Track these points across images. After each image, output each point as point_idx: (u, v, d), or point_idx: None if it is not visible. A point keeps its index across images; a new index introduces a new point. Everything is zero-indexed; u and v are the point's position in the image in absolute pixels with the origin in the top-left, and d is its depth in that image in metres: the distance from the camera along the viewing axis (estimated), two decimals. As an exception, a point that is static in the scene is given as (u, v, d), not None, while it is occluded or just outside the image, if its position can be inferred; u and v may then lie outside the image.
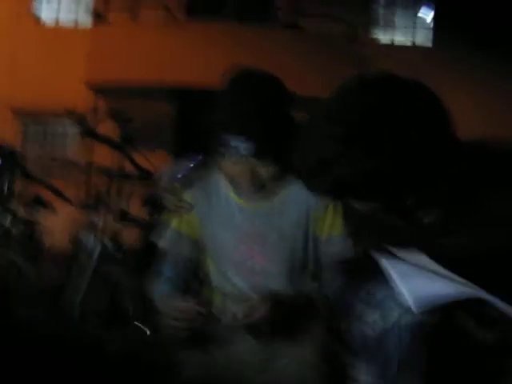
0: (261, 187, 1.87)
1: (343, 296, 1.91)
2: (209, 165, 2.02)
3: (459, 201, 1.64)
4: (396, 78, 1.54)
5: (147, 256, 3.38)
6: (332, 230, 1.93)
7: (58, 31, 13.78)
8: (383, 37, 14.64)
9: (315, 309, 1.89)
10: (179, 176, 2.00)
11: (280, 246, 1.91)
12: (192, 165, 2.02)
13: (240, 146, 1.79)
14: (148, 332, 3.18)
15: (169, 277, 2.01)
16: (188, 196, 1.99)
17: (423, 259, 1.56)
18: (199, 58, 10.97)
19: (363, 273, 2.00)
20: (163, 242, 2.03)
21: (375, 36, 14.35)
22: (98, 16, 12.55)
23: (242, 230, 1.93)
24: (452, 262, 1.64)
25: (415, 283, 1.48)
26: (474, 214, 1.63)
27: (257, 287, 1.90)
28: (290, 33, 12.40)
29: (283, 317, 1.80)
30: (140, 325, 3.16)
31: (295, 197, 1.93)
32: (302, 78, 10.63)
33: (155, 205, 3.41)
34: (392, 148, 1.45)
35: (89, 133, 3.38)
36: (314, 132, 1.54)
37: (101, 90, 12.46)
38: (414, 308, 1.46)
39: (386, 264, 1.53)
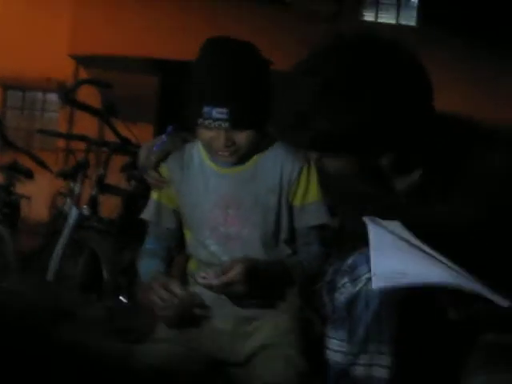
0: (235, 152, 1.89)
1: (316, 262, 1.94)
2: (183, 134, 2.05)
3: (435, 169, 1.68)
4: (374, 36, 1.58)
5: (126, 224, 3.43)
6: (306, 198, 1.96)
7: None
8: (368, 14, 14.64)
9: (289, 275, 1.91)
10: (154, 149, 2.02)
11: (255, 211, 1.94)
12: (166, 136, 2.04)
13: (213, 112, 1.81)
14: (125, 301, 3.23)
15: (153, 249, 2.05)
16: (164, 169, 2.02)
17: (410, 236, 1.57)
18: (183, 31, 10.94)
19: (337, 240, 2.05)
20: (146, 213, 2.07)
21: (360, 13, 14.35)
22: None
23: (216, 194, 1.96)
24: (427, 232, 1.65)
25: (389, 258, 1.47)
26: (450, 183, 1.67)
27: (231, 252, 1.93)
28: (275, 8, 12.38)
29: (257, 280, 1.81)
30: (120, 297, 3.20)
31: (270, 163, 1.96)
32: (286, 52, 10.61)
33: (134, 173, 3.43)
34: (368, 103, 1.50)
35: (68, 99, 3.38)
36: (293, 87, 1.59)
37: (83, 59, 12.36)
38: (373, 283, 1.47)
39: (371, 229, 1.53)
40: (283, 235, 1.97)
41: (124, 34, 11.64)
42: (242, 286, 1.80)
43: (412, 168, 1.71)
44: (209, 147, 1.92)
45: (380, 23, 14.49)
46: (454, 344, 1.65)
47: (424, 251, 1.51)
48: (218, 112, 1.81)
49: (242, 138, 1.87)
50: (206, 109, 1.82)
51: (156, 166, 2.02)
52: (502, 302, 1.42)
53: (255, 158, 1.96)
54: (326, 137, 1.55)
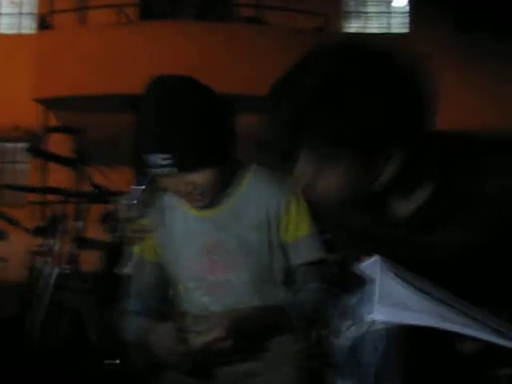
0: (201, 195, 1.88)
1: (318, 302, 1.93)
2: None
3: (441, 192, 1.66)
4: (356, 46, 1.57)
5: (110, 281, 3.43)
6: (298, 232, 1.95)
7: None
8: (354, 24, 14.79)
9: (288, 320, 1.89)
10: (134, 202, 2.03)
11: (241, 254, 1.93)
12: (143, 187, 2.04)
13: (158, 160, 1.79)
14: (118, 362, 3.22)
15: (138, 310, 2.04)
16: (146, 221, 2.04)
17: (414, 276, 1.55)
18: (157, 60, 10.98)
19: (338, 277, 2.05)
20: (127, 269, 2.08)
21: (345, 24, 14.51)
22: (43, 21, 12.49)
23: (199, 241, 1.96)
24: (429, 265, 1.65)
25: (392, 294, 1.46)
26: (460, 207, 1.64)
27: (222, 302, 1.93)
28: (251, 28, 12.49)
29: (247, 332, 1.81)
30: (109, 361, 3.19)
31: (253, 197, 1.95)
32: (268, 74, 10.65)
33: (115, 223, 3.44)
34: (355, 113, 1.47)
35: (35, 151, 3.40)
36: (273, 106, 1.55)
37: (50, 102, 12.37)
38: (375, 315, 1.44)
39: (373, 267, 1.52)
40: (278, 276, 1.96)
41: (93, 70, 11.68)
42: (228, 343, 1.77)
43: (414, 189, 1.68)
44: (175, 195, 1.92)
45: (368, 33, 14.66)
46: (467, 379, 1.64)
47: (428, 292, 1.51)
48: (162, 159, 1.79)
49: (201, 178, 1.85)
50: (150, 158, 1.80)
51: (137, 220, 2.03)
52: None
53: (236, 193, 1.96)
54: (329, 135, 1.51)
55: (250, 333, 1.82)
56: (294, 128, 1.53)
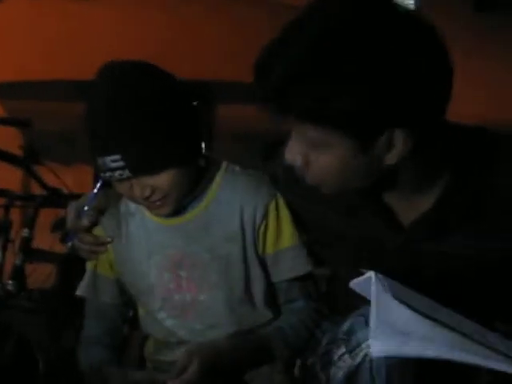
0: (163, 200, 1.85)
1: (304, 324, 1.93)
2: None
3: (451, 197, 1.69)
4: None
5: (62, 299, 3.43)
6: (279, 243, 1.93)
7: None
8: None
9: (268, 350, 1.88)
10: (85, 209, 2.00)
11: (213, 268, 1.91)
12: (95, 191, 2.01)
13: (107, 162, 1.77)
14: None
15: (93, 335, 2.04)
16: (99, 231, 2.01)
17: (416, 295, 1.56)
18: (120, 40, 10.92)
19: (326, 295, 2.06)
20: (80, 288, 2.06)
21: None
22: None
23: (163, 254, 1.94)
24: (441, 280, 1.70)
25: (390, 320, 1.45)
26: (472, 213, 1.68)
27: (190, 325, 1.93)
28: (236, 1, 12.47)
29: (222, 369, 1.80)
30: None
31: (226, 202, 1.93)
32: (251, 55, 10.63)
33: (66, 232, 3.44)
34: (376, 67, 1.48)
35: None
36: (285, 37, 1.57)
37: (-4, 88, 12.37)
38: (372, 351, 1.46)
39: (373, 285, 1.50)
40: (258, 295, 1.94)
41: (45, 52, 11.63)
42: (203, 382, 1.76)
43: (426, 179, 1.71)
44: (133, 201, 1.91)
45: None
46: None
47: (431, 315, 1.52)
48: (112, 160, 1.76)
49: (160, 181, 1.81)
50: (99, 160, 1.79)
51: (89, 230, 2.01)
52: None
53: (206, 197, 1.93)
54: (326, 103, 1.51)
55: (224, 369, 1.81)
56: (280, 95, 1.54)
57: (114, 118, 1.76)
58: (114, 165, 1.77)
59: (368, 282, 1.50)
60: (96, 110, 1.80)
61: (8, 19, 11.90)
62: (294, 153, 1.65)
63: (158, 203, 1.85)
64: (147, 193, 1.82)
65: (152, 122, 1.77)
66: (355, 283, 1.57)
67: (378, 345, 1.43)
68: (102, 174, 1.82)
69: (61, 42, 11.54)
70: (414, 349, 1.43)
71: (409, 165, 1.63)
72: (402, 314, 1.45)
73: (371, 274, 1.50)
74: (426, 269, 1.74)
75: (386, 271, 1.53)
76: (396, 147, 1.58)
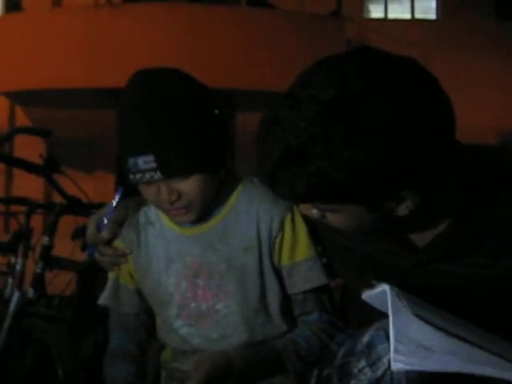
0: (188, 207, 1.87)
1: (318, 337, 1.92)
2: (137, 198, 2.03)
3: (466, 218, 1.70)
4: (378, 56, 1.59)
5: (82, 307, 3.45)
6: (295, 255, 1.94)
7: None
8: (374, 9, 14.87)
9: (280, 362, 1.88)
10: (105, 222, 2.02)
11: (230, 278, 1.92)
12: (114, 204, 2.04)
13: (139, 162, 1.79)
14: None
15: (120, 347, 2.05)
16: (119, 243, 2.03)
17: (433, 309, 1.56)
18: (143, 50, 10.97)
19: (340, 308, 2.07)
20: (103, 298, 2.07)
21: (364, 9, 14.59)
22: (11, 1, 12.51)
23: (181, 262, 1.96)
24: (456, 299, 1.69)
25: (410, 333, 1.45)
26: (486, 235, 1.69)
27: (205, 334, 1.93)
28: (258, 11, 12.48)
29: (232, 379, 1.80)
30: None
31: (243, 213, 1.95)
32: (275, 67, 10.69)
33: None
34: (376, 136, 1.49)
35: (1, 155, 3.42)
36: (280, 117, 1.58)
37: (19, 96, 12.39)
38: (391, 365, 1.45)
39: (390, 298, 1.49)
40: (273, 306, 1.95)
41: (68, 61, 11.69)
42: None
43: (437, 218, 1.72)
44: (158, 207, 1.92)
45: (390, 19, 14.73)
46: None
47: (447, 328, 1.51)
48: (144, 161, 1.79)
49: (188, 186, 1.84)
50: (130, 161, 1.80)
51: (109, 242, 2.03)
52: None
53: (225, 209, 1.96)
54: (326, 181, 1.54)
55: (232, 377, 1.81)
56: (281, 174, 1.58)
57: (148, 119, 1.79)
58: (145, 166, 1.79)
59: (382, 295, 1.50)
60: (130, 110, 1.82)
61: (32, 28, 12.01)
62: (308, 211, 1.72)
63: (182, 210, 1.87)
64: (174, 197, 1.84)
65: (185, 127, 1.81)
66: (368, 295, 1.58)
67: (400, 359, 1.42)
68: (131, 176, 1.83)
69: (85, 51, 11.65)
70: (435, 363, 1.42)
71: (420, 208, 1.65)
72: (421, 329, 1.45)
73: (386, 287, 1.50)
74: (438, 288, 1.74)
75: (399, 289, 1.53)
76: (406, 201, 1.61)
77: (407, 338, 1.44)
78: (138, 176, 1.81)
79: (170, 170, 1.80)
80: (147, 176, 1.80)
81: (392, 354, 1.43)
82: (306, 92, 1.55)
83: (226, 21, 12.05)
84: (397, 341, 1.43)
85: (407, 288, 1.56)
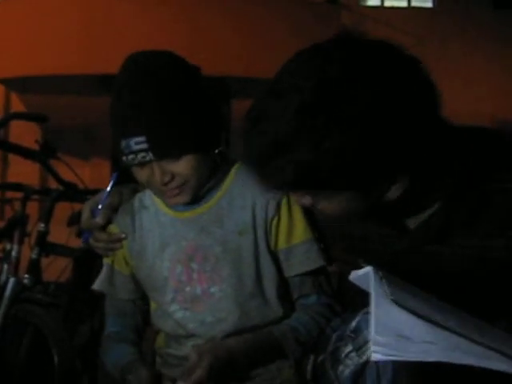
0: (182, 187, 1.88)
1: (316, 321, 1.93)
2: (132, 185, 2.07)
3: (458, 199, 1.70)
4: (358, 43, 1.61)
5: (78, 293, 3.45)
6: (292, 238, 1.95)
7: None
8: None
9: (279, 348, 1.89)
10: (99, 208, 2.04)
11: (225, 261, 1.93)
12: (109, 189, 2.06)
13: (131, 144, 1.81)
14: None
15: (116, 331, 2.06)
16: (113, 228, 2.05)
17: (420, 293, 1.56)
18: (142, 36, 10.96)
19: (339, 292, 2.07)
20: (97, 283, 2.09)
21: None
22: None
23: (176, 246, 1.97)
24: (447, 281, 1.70)
25: (391, 320, 1.45)
26: (479, 217, 1.69)
27: (200, 318, 1.94)
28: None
29: (232, 369, 1.82)
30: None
31: (238, 197, 1.96)
32: (271, 54, 10.69)
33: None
34: (359, 122, 1.51)
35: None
36: (264, 108, 1.59)
37: (14, 82, 12.36)
38: (371, 354, 1.44)
39: (372, 283, 1.50)
40: (270, 290, 1.95)
41: (66, 46, 11.67)
42: (213, 381, 1.78)
43: (430, 200, 1.73)
44: (151, 189, 1.93)
45: (386, 7, 14.72)
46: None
47: (430, 315, 1.51)
48: (136, 142, 1.81)
49: (181, 167, 1.86)
50: (123, 142, 1.83)
51: (103, 228, 2.04)
52: None
53: (219, 192, 1.96)
54: (314, 169, 1.55)
55: (236, 370, 1.84)
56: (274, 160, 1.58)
57: (140, 101, 1.81)
58: (137, 147, 1.81)
59: (367, 278, 1.51)
60: (122, 93, 1.84)
61: (29, 14, 11.98)
62: (299, 199, 1.72)
63: (176, 191, 1.88)
64: (167, 178, 1.85)
65: (176, 108, 1.83)
66: (354, 276, 1.58)
67: (379, 350, 1.42)
68: (123, 158, 1.85)
69: (82, 38, 11.62)
70: (414, 353, 1.42)
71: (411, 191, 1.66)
72: (400, 317, 1.45)
73: (370, 270, 1.51)
74: (430, 269, 1.74)
75: (391, 272, 1.54)
76: (396, 184, 1.63)
77: (386, 327, 1.43)
78: (131, 157, 1.83)
79: (162, 150, 1.82)
80: (139, 157, 1.82)
81: (371, 345, 1.43)
82: (287, 81, 1.58)
83: (221, 7, 12.03)
84: (376, 331, 1.43)
85: (398, 271, 1.58)
